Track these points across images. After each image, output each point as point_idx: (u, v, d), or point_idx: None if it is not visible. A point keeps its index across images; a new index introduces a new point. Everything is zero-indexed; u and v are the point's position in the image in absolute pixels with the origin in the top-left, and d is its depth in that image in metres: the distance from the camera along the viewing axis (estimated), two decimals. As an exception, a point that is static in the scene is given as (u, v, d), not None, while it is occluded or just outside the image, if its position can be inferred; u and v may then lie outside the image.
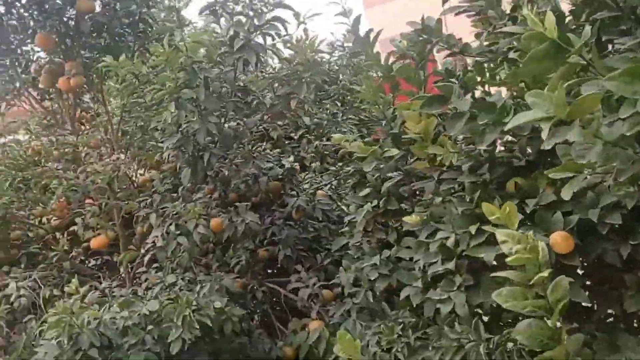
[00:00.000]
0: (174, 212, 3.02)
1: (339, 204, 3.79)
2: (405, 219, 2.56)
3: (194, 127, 2.99)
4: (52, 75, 3.55)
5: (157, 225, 3.05)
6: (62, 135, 3.87)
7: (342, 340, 2.44)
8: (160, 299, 2.90)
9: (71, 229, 5.02)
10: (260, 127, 3.53)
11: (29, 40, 4.40)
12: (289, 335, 3.41)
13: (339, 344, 2.44)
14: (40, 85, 3.54)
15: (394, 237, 2.95)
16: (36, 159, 4.52)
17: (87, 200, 4.94)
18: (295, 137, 3.97)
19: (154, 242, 2.98)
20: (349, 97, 4.17)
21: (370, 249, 2.89)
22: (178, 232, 2.97)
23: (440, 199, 2.60)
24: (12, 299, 3.35)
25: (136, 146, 3.99)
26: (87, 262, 4.88)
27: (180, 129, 3.08)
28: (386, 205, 2.90)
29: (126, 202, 3.81)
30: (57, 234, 4.67)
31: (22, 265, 4.36)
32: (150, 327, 2.73)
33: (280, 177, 3.82)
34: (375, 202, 2.90)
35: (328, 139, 3.99)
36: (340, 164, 3.74)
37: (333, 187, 4.10)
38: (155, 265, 3.89)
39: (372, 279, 2.82)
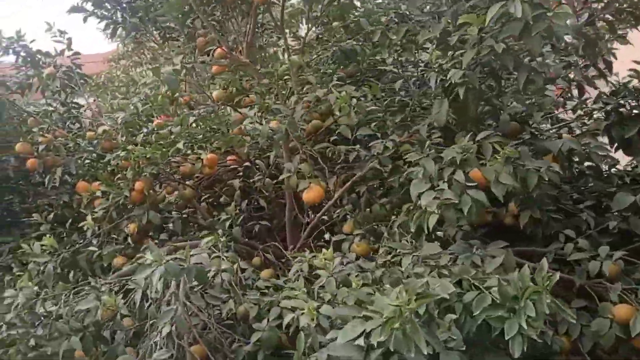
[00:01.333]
0: (455, 156, 2.18)
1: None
2: None
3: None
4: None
5: (433, 173, 2.20)
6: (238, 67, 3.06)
7: None
8: (437, 278, 2.14)
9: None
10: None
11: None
12: (560, 322, 2.62)
13: None
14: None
15: None
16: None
17: (229, 158, 4.20)
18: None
19: (437, 198, 2.15)
20: None
21: None
22: (470, 183, 2.15)
23: None
24: (211, 274, 2.62)
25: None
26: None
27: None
28: None
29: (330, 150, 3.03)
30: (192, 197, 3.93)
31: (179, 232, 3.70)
32: (450, 315, 1.97)
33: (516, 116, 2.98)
34: None
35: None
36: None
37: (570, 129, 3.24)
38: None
39: None
